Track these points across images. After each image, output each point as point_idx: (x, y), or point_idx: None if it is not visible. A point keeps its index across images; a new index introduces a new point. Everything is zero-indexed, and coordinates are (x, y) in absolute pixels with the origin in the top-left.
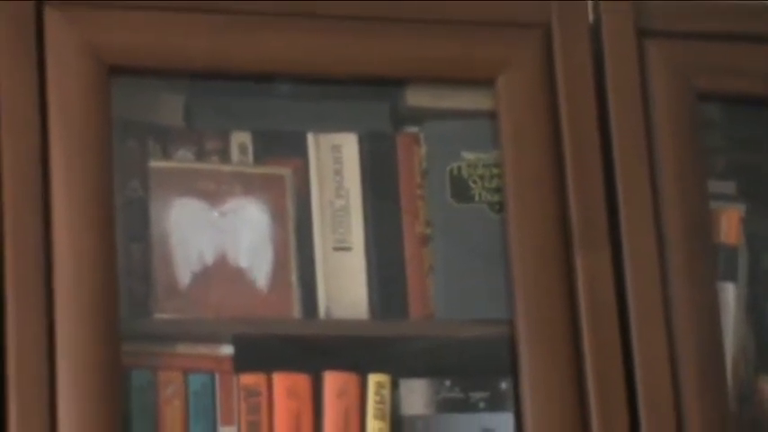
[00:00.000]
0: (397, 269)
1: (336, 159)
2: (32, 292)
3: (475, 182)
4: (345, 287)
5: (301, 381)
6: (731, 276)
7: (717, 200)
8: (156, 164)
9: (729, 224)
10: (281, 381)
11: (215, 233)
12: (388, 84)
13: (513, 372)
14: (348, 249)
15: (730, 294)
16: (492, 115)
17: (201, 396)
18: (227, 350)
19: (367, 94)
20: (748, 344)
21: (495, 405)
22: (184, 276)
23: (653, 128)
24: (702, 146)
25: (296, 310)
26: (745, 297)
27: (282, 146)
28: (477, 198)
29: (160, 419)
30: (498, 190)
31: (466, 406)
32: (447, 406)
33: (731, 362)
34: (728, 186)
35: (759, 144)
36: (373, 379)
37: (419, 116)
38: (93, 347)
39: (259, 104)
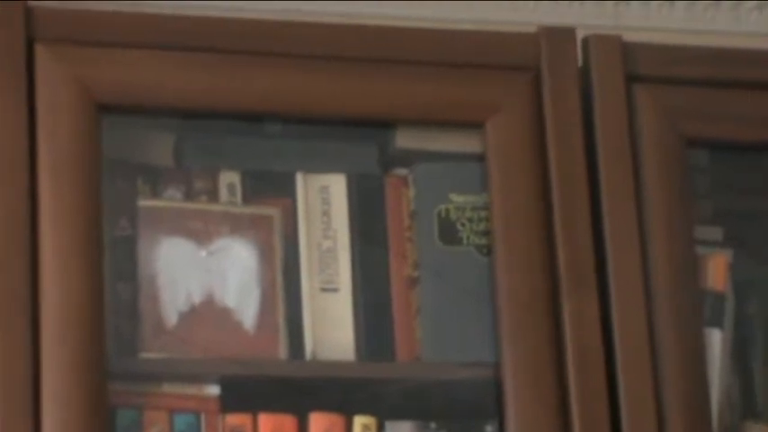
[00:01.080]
0: (385, 311)
1: (325, 200)
2: (19, 330)
3: (463, 224)
4: (332, 328)
5: (287, 422)
6: (717, 322)
7: (704, 245)
8: (144, 203)
9: (716, 270)
10: (266, 421)
11: (203, 273)
12: (377, 125)
13: (499, 415)
14: (335, 291)
15: (716, 340)
16: (481, 158)
17: None
18: (214, 390)
19: (356, 136)
20: (734, 390)
21: None
22: (171, 316)
23: (641, 172)
24: (690, 191)
25: (282, 351)
26: (731, 343)
27: (271, 186)
28: (464, 241)
29: None
30: (486, 233)
31: None
32: None
33: (717, 407)
34: (716, 232)
35: (746, 189)
36: (359, 421)
37: (408, 158)
38: (80, 386)
39: (248, 144)
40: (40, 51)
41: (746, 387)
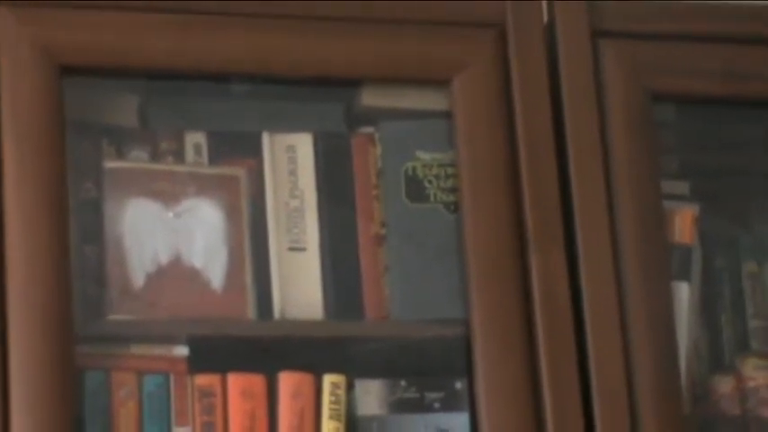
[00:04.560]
0: (352, 270)
1: (291, 159)
2: None
3: (430, 182)
4: (300, 288)
5: (256, 381)
6: (685, 276)
7: (671, 200)
8: (110, 164)
9: (683, 224)
10: (235, 381)
11: (169, 234)
12: (342, 84)
13: (469, 372)
14: (303, 250)
15: (684, 294)
16: (447, 115)
17: (156, 397)
18: (182, 351)
19: (322, 95)
20: (702, 343)
21: (450, 405)
22: (139, 277)
23: (607, 128)
24: (656, 146)
25: (251, 311)
26: (699, 296)
27: (237, 146)
28: (432, 198)
29: (114, 421)
30: (453, 190)
31: (421, 406)
32: (402, 406)
33: (685, 361)
34: (682, 186)
35: (713, 144)
36: (328, 379)
37: (374, 116)
38: (47, 349)
39: (214, 105)
40: (2, 13)
41: (714, 340)
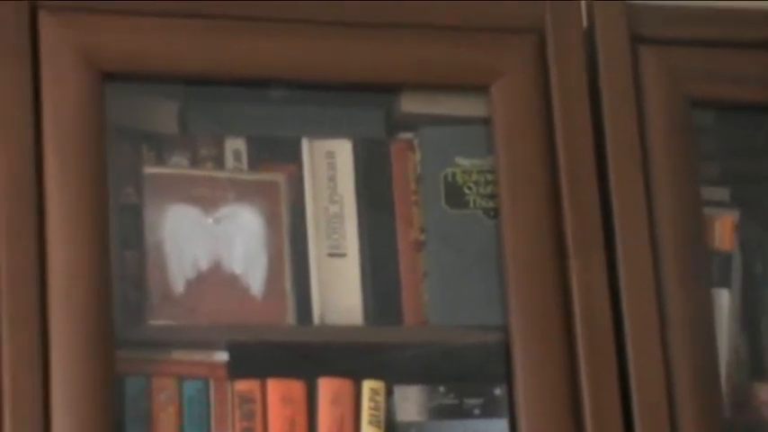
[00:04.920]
0: (392, 275)
1: (330, 165)
2: (26, 298)
3: (469, 188)
4: (339, 293)
5: (296, 387)
6: (725, 282)
7: (710, 206)
8: (150, 170)
9: (723, 230)
10: (275, 387)
11: (209, 240)
12: (382, 90)
13: (508, 378)
14: (342, 256)
15: (724, 300)
16: (486, 121)
17: (196, 403)
18: (222, 357)
19: (361, 101)
20: (742, 350)
21: (489, 411)
22: (179, 283)
23: (647, 134)
24: (696, 152)
25: (290, 317)
26: (739, 303)
27: (277, 152)
28: (471, 204)
29: (154, 426)
30: (493, 196)
31: (460, 412)
32: (441, 412)
33: (725, 367)
34: (722, 193)
35: (752, 150)
36: (368, 385)
37: (413, 122)
38: (87, 354)
39: (253, 110)
40: (45, 19)
41: (754, 347)
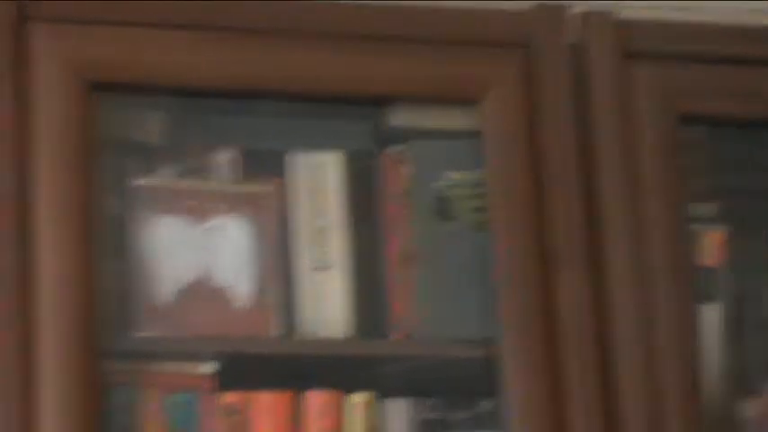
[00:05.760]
0: (379, 288)
1: (319, 178)
2: (12, 309)
3: (458, 201)
4: (327, 306)
5: (282, 399)
6: (712, 297)
7: (699, 222)
8: (138, 181)
9: (711, 246)
10: (262, 399)
11: (197, 251)
12: (372, 103)
13: (495, 391)
14: (329, 268)
15: (712, 315)
16: (475, 135)
17: (182, 414)
18: (209, 368)
19: (351, 113)
20: (729, 365)
21: (476, 425)
22: (166, 294)
23: (636, 148)
24: (685, 167)
25: (276, 329)
26: (727, 318)
27: (265, 164)
28: (459, 217)
29: None
30: (481, 209)
31: (447, 426)
32: (428, 426)
33: (712, 382)
34: (711, 208)
35: (741, 166)
36: (355, 398)
37: (403, 135)
38: (74, 365)
39: (242, 122)
40: (34, 29)
41: (741, 362)
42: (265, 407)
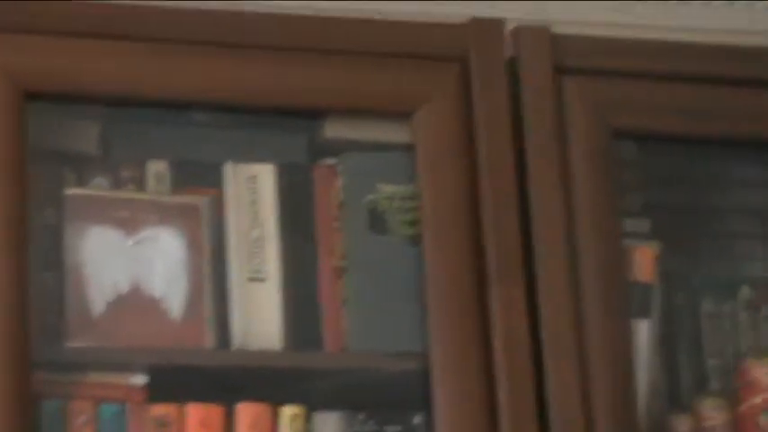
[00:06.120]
0: (312, 301)
1: (253, 190)
2: None
3: (391, 214)
4: (260, 318)
5: (214, 412)
6: (644, 313)
7: (631, 237)
8: (71, 191)
9: (643, 261)
10: (193, 411)
11: (129, 262)
12: (305, 115)
13: (427, 406)
14: (263, 280)
15: (643, 331)
16: (409, 148)
17: (113, 426)
18: (140, 380)
19: (284, 125)
20: (660, 381)
21: None
22: (98, 305)
23: (569, 163)
24: (618, 183)
25: (209, 341)
26: (658, 334)
27: (199, 175)
28: (393, 230)
29: None
30: (415, 223)
31: None
32: None
33: (644, 398)
34: (643, 224)
35: (674, 182)
36: (287, 411)
37: (337, 148)
38: (3, 376)
39: (176, 133)
40: None
41: (673, 378)
42: (197, 419)
